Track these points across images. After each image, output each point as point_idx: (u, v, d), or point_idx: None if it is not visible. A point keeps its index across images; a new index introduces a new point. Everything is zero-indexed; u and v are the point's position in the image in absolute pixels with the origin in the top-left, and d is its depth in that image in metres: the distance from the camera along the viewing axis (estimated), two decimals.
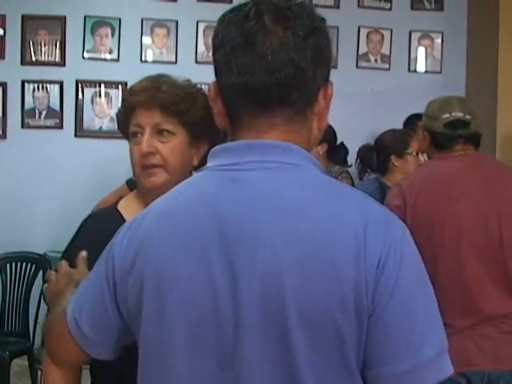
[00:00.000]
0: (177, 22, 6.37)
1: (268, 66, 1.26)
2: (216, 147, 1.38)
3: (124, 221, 1.86)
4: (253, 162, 1.30)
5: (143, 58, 6.35)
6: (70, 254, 1.94)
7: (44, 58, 6.19)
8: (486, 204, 3.01)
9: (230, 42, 1.29)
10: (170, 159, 1.99)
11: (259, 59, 1.27)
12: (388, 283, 1.22)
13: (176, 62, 6.37)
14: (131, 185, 4.41)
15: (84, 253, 1.82)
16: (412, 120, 5.36)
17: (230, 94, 1.33)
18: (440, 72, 6.80)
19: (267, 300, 1.21)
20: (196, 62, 6.40)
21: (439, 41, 6.77)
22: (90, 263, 1.69)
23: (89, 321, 1.43)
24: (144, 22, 6.32)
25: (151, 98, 2.01)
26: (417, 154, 4.36)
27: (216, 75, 1.36)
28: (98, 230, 1.96)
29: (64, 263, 1.84)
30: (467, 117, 3.19)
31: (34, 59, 6.17)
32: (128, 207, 2.05)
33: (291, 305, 1.20)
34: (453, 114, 3.20)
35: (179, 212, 1.32)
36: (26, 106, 6.17)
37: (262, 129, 1.31)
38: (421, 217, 3.04)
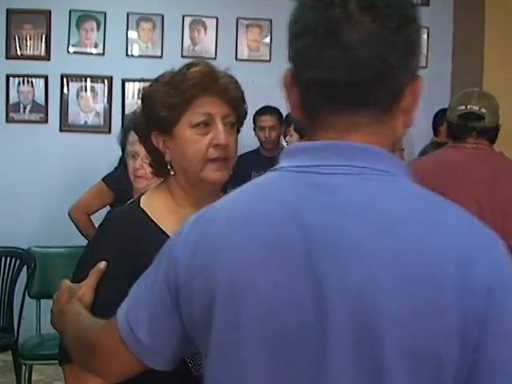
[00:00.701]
0: (162, 16, 6.35)
1: (353, 62, 1.11)
2: (291, 146, 1.25)
3: (152, 221, 1.81)
4: (337, 167, 1.15)
5: (129, 53, 6.33)
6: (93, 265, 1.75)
7: (29, 52, 6.16)
8: (485, 198, 3.02)
9: (312, 31, 1.13)
10: (234, 154, 1.90)
11: (344, 53, 1.11)
12: (497, 312, 1.07)
13: (162, 56, 6.35)
14: (111, 182, 4.41)
15: (103, 264, 1.70)
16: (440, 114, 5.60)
17: (308, 88, 1.17)
18: (426, 67, 6.79)
19: (360, 322, 1.07)
20: (182, 56, 6.38)
21: (425, 36, 6.77)
22: (121, 270, 1.61)
23: (147, 327, 1.29)
24: (130, 16, 6.30)
25: (225, 89, 1.87)
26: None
27: (293, 65, 1.20)
28: (126, 234, 1.80)
29: (65, 281, 1.71)
30: (482, 110, 3.22)
31: (18, 53, 6.15)
32: (156, 206, 1.88)
33: (387, 331, 1.07)
34: (468, 106, 3.26)
35: (256, 217, 1.17)
36: (11, 101, 6.15)
37: (344, 129, 1.17)
38: None
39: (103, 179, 4.45)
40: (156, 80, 1.87)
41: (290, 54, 1.20)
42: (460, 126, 3.28)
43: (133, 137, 3.40)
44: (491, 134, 3.28)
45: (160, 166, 1.89)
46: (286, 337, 1.12)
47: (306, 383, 1.11)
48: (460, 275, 1.07)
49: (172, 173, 1.86)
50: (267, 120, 5.66)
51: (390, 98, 1.17)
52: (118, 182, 4.14)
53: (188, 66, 1.83)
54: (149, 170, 3.33)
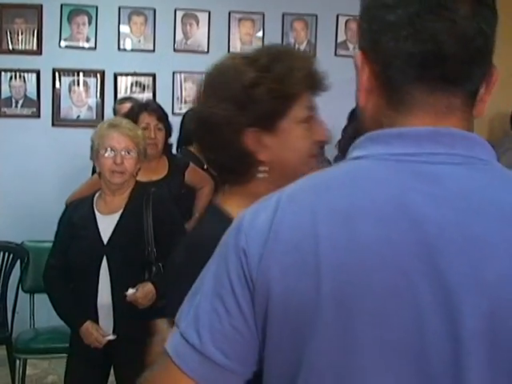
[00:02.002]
0: (154, 10, 6.34)
1: (461, 35, 1.04)
2: (378, 131, 1.11)
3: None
4: (441, 155, 1.05)
5: (121, 47, 6.31)
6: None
7: (20, 46, 6.14)
8: None
9: (415, 1, 1.05)
10: None
11: (451, 25, 1.04)
12: None
13: (154, 50, 6.34)
14: None
15: None
16: None
17: (403, 63, 1.07)
18: None
19: (497, 324, 0.97)
20: (174, 50, 6.38)
21: None
22: None
23: (215, 341, 1.09)
24: (121, 10, 6.29)
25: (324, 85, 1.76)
26: None
27: (373, 40, 1.11)
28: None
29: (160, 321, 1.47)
30: None
31: (10, 48, 6.12)
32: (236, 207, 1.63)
33: None
34: None
35: (359, 212, 1.04)
36: (3, 95, 6.13)
37: (442, 111, 1.08)
38: None
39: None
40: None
41: (372, 26, 1.11)
42: None
43: (106, 130, 3.43)
44: None
45: (242, 168, 1.65)
46: (405, 346, 1.00)
47: None
48: None
49: (260, 174, 1.65)
50: None
51: (481, 80, 1.11)
52: None
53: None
54: (130, 166, 3.41)
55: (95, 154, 3.44)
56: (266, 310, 1.06)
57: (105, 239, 3.37)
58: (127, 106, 5.01)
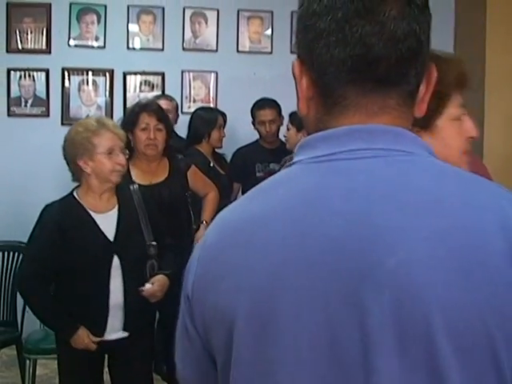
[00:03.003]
0: (163, 9, 6.33)
1: (390, 37, 1.05)
2: (307, 138, 1.14)
3: None
4: (360, 150, 1.07)
5: (130, 45, 6.31)
6: None
7: (30, 45, 6.15)
8: None
9: (342, 6, 1.06)
10: None
11: (380, 28, 1.05)
12: None
13: (163, 48, 6.34)
14: None
15: None
16: None
17: (336, 69, 1.08)
18: None
19: (403, 315, 0.97)
20: (183, 48, 6.37)
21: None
22: None
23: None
24: (130, 8, 6.28)
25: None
26: None
27: (308, 48, 1.12)
28: None
29: None
30: None
31: (19, 47, 6.13)
32: None
33: (437, 321, 0.96)
34: None
35: (273, 217, 1.07)
36: (12, 95, 6.14)
37: (373, 111, 1.09)
38: None
39: None
40: None
41: (307, 35, 1.12)
42: None
43: (99, 129, 3.38)
44: None
45: None
46: (316, 336, 1.01)
47: None
48: (508, 247, 0.97)
49: None
50: (266, 114, 5.62)
51: (417, 79, 1.11)
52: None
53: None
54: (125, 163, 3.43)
55: (88, 154, 3.37)
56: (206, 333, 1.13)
57: (110, 238, 3.36)
58: (162, 102, 5.05)
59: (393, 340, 0.97)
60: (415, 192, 1.03)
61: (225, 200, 5.25)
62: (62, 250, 3.29)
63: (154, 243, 3.51)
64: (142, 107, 4.38)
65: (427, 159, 1.10)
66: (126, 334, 3.37)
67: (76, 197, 3.44)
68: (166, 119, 4.43)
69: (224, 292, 1.07)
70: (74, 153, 3.41)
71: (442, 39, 6.62)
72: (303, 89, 1.15)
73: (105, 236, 3.35)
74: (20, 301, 4.95)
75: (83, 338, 3.29)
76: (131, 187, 3.63)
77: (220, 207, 4.94)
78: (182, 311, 1.17)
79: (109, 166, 3.36)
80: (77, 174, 3.47)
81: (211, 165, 5.15)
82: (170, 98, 5.60)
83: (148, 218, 3.52)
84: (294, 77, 1.16)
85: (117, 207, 3.46)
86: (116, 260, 3.32)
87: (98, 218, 3.38)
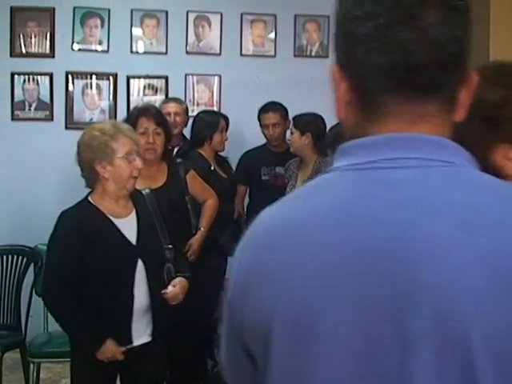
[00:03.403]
0: (167, 13, 6.34)
1: (432, 44, 1.04)
2: (345, 145, 1.13)
3: None
4: (398, 160, 1.06)
5: (133, 49, 6.32)
6: None
7: (33, 49, 6.16)
8: None
9: (384, 13, 1.04)
10: None
11: (422, 34, 1.04)
12: None
13: (166, 52, 6.34)
14: None
15: None
16: None
17: (376, 75, 1.07)
18: None
19: (442, 331, 0.96)
20: (186, 52, 6.38)
21: None
22: None
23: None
24: (134, 12, 6.29)
25: None
26: None
27: (347, 53, 1.11)
28: None
29: None
30: None
31: (23, 51, 6.14)
32: None
33: (476, 340, 0.95)
34: None
35: (312, 224, 1.06)
36: (16, 98, 6.15)
37: (413, 119, 1.08)
38: None
39: None
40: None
41: (346, 40, 1.11)
42: None
43: (117, 133, 3.36)
44: None
45: None
46: (354, 349, 1.00)
47: None
48: None
49: None
50: (270, 118, 5.62)
51: (458, 86, 1.09)
52: None
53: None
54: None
55: (107, 158, 3.33)
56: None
57: (133, 242, 3.35)
58: (171, 106, 5.03)
59: (431, 355, 0.95)
60: (456, 205, 1.01)
61: (227, 203, 5.26)
62: (87, 257, 3.23)
63: (170, 246, 3.55)
64: (141, 111, 4.37)
65: (468, 170, 1.08)
66: (150, 339, 3.38)
67: (93, 202, 3.40)
68: (164, 123, 4.42)
69: (262, 295, 1.07)
70: (91, 157, 3.35)
71: None
72: (341, 93, 1.13)
73: (128, 241, 3.33)
74: (24, 304, 4.96)
75: (111, 348, 3.24)
76: (143, 192, 3.62)
77: (223, 210, 4.95)
78: (224, 310, 1.17)
79: (128, 170, 3.34)
80: (92, 179, 3.42)
81: (212, 168, 5.14)
82: (180, 101, 5.61)
83: (163, 222, 3.54)
84: (333, 81, 1.15)
85: (134, 211, 3.45)
86: (140, 264, 3.32)
87: (119, 223, 3.36)
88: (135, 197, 3.51)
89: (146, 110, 4.39)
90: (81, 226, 3.30)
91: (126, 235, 3.34)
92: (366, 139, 1.08)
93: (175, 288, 3.49)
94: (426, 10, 1.03)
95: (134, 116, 4.33)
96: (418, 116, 1.07)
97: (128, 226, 3.38)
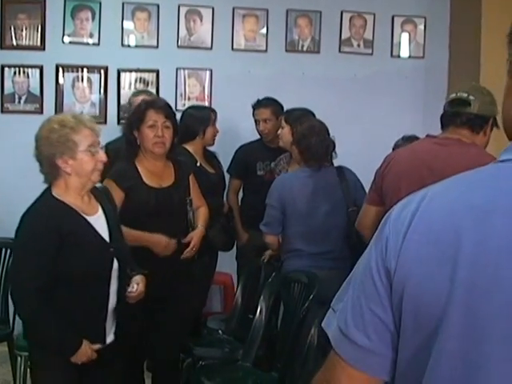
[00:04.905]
0: (158, 6, 6.32)
1: None
2: None
3: None
4: None
5: (124, 42, 6.30)
6: None
7: (24, 42, 6.13)
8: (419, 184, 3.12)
9: None
10: None
11: None
12: None
13: (157, 46, 6.33)
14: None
15: None
16: None
17: None
18: (423, 57, 6.80)
19: None
20: (178, 46, 6.36)
21: (422, 26, 6.76)
22: None
23: (360, 324, 1.21)
24: (125, 5, 6.27)
25: None
26: None
27: None
28: None
29: None
30: (470, 97, 3.24)
31: (13, 43, 6.11)
32: None
33: None
34: (458, 94, 3.32)
35: (496, 209, 1.10)
36: (6, 91, 6.12)
37: None
38: (384, 183, 3.47)
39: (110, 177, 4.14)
40: None
41: None
42: (447, 113, 3.37)
43: (80, 126, 3.19)
44: (476, 122, 3.27)
45: None
46: None
47: None
48: None
49: None
50: (261, 113, 5.63)
51: None
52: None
53: None
54: None
55: (68, 152, 3.17)
56: (402, 299, 1.14)
57: (107, 241, 3.26)
58: (140, 98, 5.00)
59: None
60: None
61: (216, 198, 5.24)
62: (62, 258, 3.08)
63: (127, 244, 3.48)
64: (150, 104, 4.26)
65: None
66: (113, 337, 3.31)
67: (60, 199, 3.22)
68: (173, 116, 4.30)
69: (437, 277, 1.11)
70: (51, 152, 3.20)
71: (437, 41, 6.65)
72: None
73: (104, 240, 3.24)
74: None
75: (86, 350, 3.15)
76: (98, 186, 3.48)
77: (211, 205, 4.94)
78: (374, 283, 1.19)
79: (91, 164, 3.20)
80: (52, 174, 3.27)
81: (198, 164, 5.12)
82: (150, 94, 5.57)
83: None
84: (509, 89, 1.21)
85: (101, 208, 3.33)
86: (115, 263, 3.25)
87: (92, 221, 3.24)
88: (95, 192, 3.37)
89: (155, 103, 4.30)
90: (56, 226, 3.12)
91: (101, 233, 3.25)
92: None
93: (139, 286, 3.40)
94: None
95: (142, 109, 4.21)
96: None
97: (99, 224, 3.27)
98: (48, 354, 3.20)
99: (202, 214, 4.46)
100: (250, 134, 5.79)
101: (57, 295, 3.10)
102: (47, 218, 3.17)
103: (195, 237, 4.26)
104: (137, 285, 3.40)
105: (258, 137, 5.76)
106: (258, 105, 5.64)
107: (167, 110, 4.26)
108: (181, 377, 4.37)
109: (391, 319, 1.18)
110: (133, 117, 4.28)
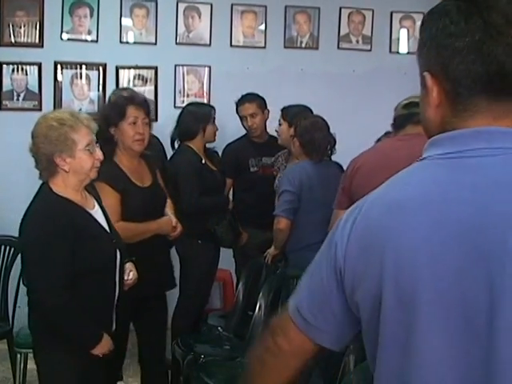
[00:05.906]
0: (156, 3, 6.31)
1: None
2: (436, 137, 1.37)
3: None
4: (482, 149, 1.30)
5: (123, 39, 6.29)
6: None
7: (22, 39, 6.12)
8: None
9: (477, 30, 1.29)
10: None
11: (509, 48, 1.29)
12: None
13: (156, 43, 6.32)
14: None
15: None
16: None
17: (472, 81, 1.31)
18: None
19: None
20: (176, 43, 6.36)
21: (420, 22, 6.74)
22: None
23: (309, 307, 1.48)
24: (123, 2, 6.26)
25: None
26: None
27: (442, 64, 1.34)
28: None
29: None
30: None
31: (12, 40, 6.10)
32: None
33: None
34: (410, 99, 3.57)
35: (413, 203, 1.32)
36: (4, 88, 6.11)
37: (498, 115, 1.32)
38: (352, 185, 3.62)
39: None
40: None
41: (441, 52, 1.34)
42: (402, 115, 3.55)
43: (78, 124, 3.17)
44: None
45: None
46: (451, 297, 1.24)
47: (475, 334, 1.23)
48: None
49: None
50: (246, 108, 5.61)
51: None
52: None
53: None
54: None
55: (67, 150, 3.16)
56: (353, 288, 1.38)
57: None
58: None
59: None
60: None
61: (219, 195, 5.25)
62: (78, 254, 3.09)
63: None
64: (129, 100, 4.11)
65: None
66: (114, 327, 3.37)
67: (63, 195, 3.20)
68: (149, 113, 4.22)
69: (374, 260, 1.32)
70: (50, 150, 3.16)
71: None
72: (434, 98, 1.36)
73: (108, 232, 3.30)
74: (11, 295, 4.94)
75: (107, 342, 3.21)
76: None
77: (216, 202, 4.94)
78: (325, 270, 1.44)
79: (89, 162, 3.21)
80: (49, 171, 3.24)
81: (203, 162, 5.12)
82: (131, 91, 5.50)
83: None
84: (425, 87, 1.38)
85: (96, 203, 3.36)
86: (118, 254, 3.31)
87: (95, 215, 3.28)
88: (87, 187, 3.35)
89: (134, 99, 4.13)
90: (68, 222, 3.11)
91: (104, 226, 3.31)
92: (453, 132, 1.34)
93: (133, 273, 3.49)
94: (511, 28, 1.28)
95: (122, 105, 4.06)
96: (502, 112, 1.32)
97: (99, 217, 3.31)
98: (58, 348, 3.21)
99: (169, 204, 4.38)
100: (238, 131, 5.79)
101: (77, 290, 3.12)
102: (58, 215, 3.14)
103: (173, 218, 4.26)
104: (130, 271, 3.48)
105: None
106: (242, 101, 5.63)
107: (147, 107, 4.17)
108: (181, 374, 4.37)
109: (339, 307, 1.43)
110: (111, 113, 4.08)
